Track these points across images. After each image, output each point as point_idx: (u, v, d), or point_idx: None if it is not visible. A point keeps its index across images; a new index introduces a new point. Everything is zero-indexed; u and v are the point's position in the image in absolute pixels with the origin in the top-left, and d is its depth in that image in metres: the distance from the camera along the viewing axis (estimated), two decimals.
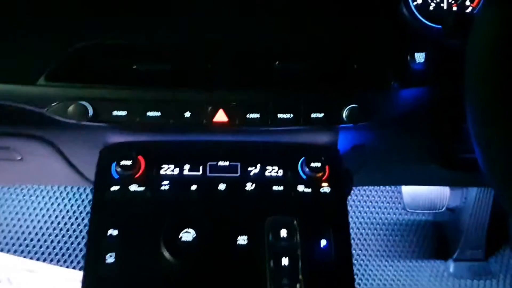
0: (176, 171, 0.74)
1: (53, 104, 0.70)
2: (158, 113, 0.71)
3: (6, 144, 0.84)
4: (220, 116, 0.71)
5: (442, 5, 0.76)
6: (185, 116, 0.71)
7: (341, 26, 0.73)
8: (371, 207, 1.54)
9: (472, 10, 0.77)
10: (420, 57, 0.71)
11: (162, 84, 0.70)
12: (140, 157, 0.74)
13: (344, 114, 0.71)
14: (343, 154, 0.83)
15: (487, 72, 0.49)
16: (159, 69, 0.69)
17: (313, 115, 0.72)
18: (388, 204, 1.55)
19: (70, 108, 0.69)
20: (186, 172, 0.74)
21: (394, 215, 1.54)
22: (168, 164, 0.74)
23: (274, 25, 0.72)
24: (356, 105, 0.71)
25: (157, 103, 0.70)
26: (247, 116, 0.71)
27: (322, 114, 0.72)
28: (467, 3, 0.77)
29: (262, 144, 0.76)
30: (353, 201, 1.55)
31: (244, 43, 0.72)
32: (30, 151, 0.84)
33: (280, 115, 0.72)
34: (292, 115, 0.72)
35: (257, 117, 0.72)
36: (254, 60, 0.71)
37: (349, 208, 1.49)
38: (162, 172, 0.74)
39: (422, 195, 1.45)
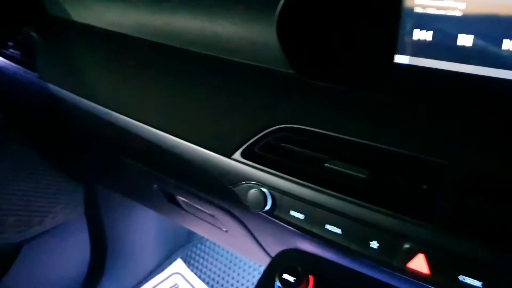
0: None
1: (242, 182, 0.62)
2: (338, 230, 0.53)
3: (211, 212, 0.82)
4: (418, 263, 0.48)
5: None
6: (371, 246, 0.51)
7: None
8: None
9: None
10: None
11: (349, 193, 0.52)
12: (310, 277, 0.58)
13: None
14: None
15: None
16: (351, 174, 0.52)
17: None
18: None
19: (251, 192, 0.60)
20: None
21: None
22: None
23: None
24: None
25: (339, 218, 0.53)
26: (460, 279, 0.45)
27: None
28: None
29: None
30: None
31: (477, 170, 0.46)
32: (230, 225, 0.80)
33: None
34: None
35: (478, 286, 0.44)
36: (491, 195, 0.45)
37: None
38: None
39: None
